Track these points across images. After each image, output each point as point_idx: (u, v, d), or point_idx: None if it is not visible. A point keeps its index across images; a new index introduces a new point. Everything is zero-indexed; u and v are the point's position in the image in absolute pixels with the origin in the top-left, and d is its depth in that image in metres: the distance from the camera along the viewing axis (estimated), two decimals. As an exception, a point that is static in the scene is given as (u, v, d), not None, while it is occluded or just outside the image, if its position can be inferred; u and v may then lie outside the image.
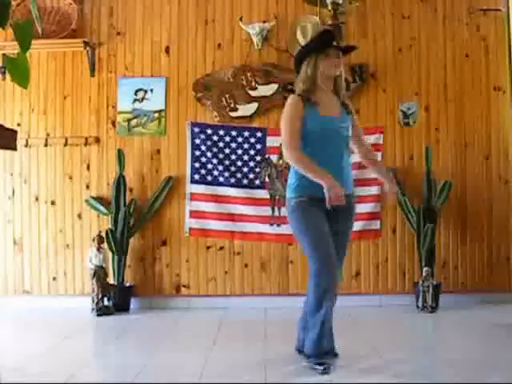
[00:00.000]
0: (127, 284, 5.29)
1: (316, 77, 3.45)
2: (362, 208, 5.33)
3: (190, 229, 5.38)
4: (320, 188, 3.24)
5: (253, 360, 3.59)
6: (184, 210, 5.39)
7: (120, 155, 5.29)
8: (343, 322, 4.80)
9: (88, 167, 5.46)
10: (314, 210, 3.36)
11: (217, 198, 5.35)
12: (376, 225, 5.37)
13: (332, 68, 3.45)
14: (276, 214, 5.36)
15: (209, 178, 5.37)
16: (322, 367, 3.29)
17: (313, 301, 3.34)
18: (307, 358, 3.40)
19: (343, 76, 3.57)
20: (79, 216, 5.43)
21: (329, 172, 3.28)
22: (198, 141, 5.38)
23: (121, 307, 5.15)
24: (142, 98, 5.45)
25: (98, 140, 5.45)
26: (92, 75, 5.45)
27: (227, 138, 5.36)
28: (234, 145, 5.37)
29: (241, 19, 5.40)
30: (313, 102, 3.42)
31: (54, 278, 5.42)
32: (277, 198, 5.35)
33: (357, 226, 5.28)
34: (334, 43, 3.46)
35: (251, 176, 5.37)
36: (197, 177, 5.37)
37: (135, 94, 5.45)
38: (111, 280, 5.21)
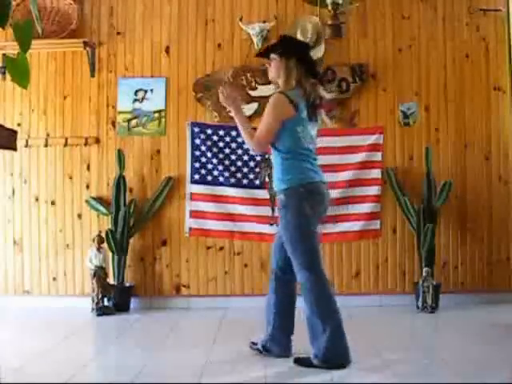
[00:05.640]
0: (127, 284, 5.29)
1: None
2: (361, 208, 5.35)
3: (190, 229, 5.38)
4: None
5: (253, 360, 3.59)
6: (184, 210, 5.39)
7: (120, 155, 5.29)
8: (343, 321, 4.81)
9: (88, 167, 5.46)
10: None
11: (217, 198, 5.35)
12: (376, 225, 5.36)
13: None
14: (276, 213, 5.34)
15: (209, 178, 5.37)
16: None
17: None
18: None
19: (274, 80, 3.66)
20: (79, 216, 5.43)
21: None
22: (198, 141, 5.38)
23: (121, 307, 5.15)
24: (142, 98, 5.45)
25: (98, 140, 5.45)
26: (92, 75, 5.44)
27: (227, 138, 5.36)
28: (234, 145, 5.37)
29: (241, 19, 5.40)
30: None
31: (54, 278, 5.42)
32: (276, 198, 5.34)
33: (357, 225, 5.34)
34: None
35: (251, 176, 5.37)
36: (197, 177, 5.37)
37: (135, 94, 5.45)
38: (111, 280, 5.21)
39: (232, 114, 3.63)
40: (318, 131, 3.65)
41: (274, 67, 3.58)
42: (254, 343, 3.75)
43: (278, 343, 3.62)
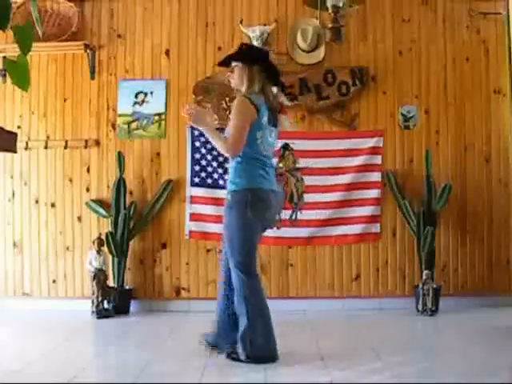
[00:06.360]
0: (127, 287, 5.29)
1: None
2: (362, 211, 5.35)
3: (190, 232, 5.38)
4: None
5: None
6: (184, 212, 5.39)
7: (120, 158, 5.29)
8: (343, 324, 4.81)
9: (88, 170, 5.46)
10: None
11: (217, 201, 5.33)
12: (376, 228, 5.36)
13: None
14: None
15: (209, 180, 5.37)
16: None
17: None
18: None
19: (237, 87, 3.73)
20: (79, 219, 5.43)
21: None
22: (198, 143, 5.38)
23: (121, 310, 5.14)
24: (142, 101, 5.45)
25: (98, 143, 5.45)
26: (92, 78, 5.45)
27: (227, 141, 5.35)
28: (234, 147, 5.36)
29: (241, 22, 5.41)
30: None
31: (54, 281, 5.41)
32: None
33: (357, 229, 5.34)
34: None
35: (251, 179, 5.36)
36: (197, 180, 5.37)
37: (135, 96, 5.45)
38: (111, 283, 5.21)
39: (203, 130, 3.68)
40: (279, 133, 3.79)
41: (237, 74, 3.67)
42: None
43: (226, 339, 3.68)
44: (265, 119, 3.56)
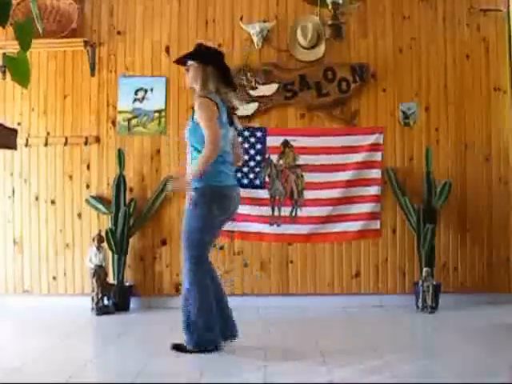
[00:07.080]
0: (127, 283, 5.29)
1: None
2: (361, 208, 5.35)
3: (190, 228, 5.37)
4: None
5: (253, 359, 3.58)
6: (184, 209, 5.38)
7: (120, 155, 5.29)
8: (343, 321, 4.81)
9: (88, 167, 5.45)
10: None
11: (217, 198, 5.34)
12: (376, 225, 5.36)
13: None
14: (276, 213, 5.35)
15: (209, 177, 5.36)
16: None
17: None
18: None
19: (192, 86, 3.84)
20: (79, 215, 5.43)
21: None
22: (198, 140, 5.37)
23: (120, 307, 5.15)
24: (142, 98, 5.45)
25: (98, 139, 5.45)
26: (92, 75, 5.44)
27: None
28: (233, 144, 5.36)
29: (241, 19, 5.40)
30: None
31: (54, 278, 5.41)
32: (277, 197, 5.35)
33: (357, 225, 5.34)
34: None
35: (251, 176, 5.37)
36: (197, 176, 5.36)
37: (135, 93, 5.45)
38: (111, 279, 5.21)
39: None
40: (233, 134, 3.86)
41: (192, 73, 3.78)
42: None
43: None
44: (224, 117, 3.69)
